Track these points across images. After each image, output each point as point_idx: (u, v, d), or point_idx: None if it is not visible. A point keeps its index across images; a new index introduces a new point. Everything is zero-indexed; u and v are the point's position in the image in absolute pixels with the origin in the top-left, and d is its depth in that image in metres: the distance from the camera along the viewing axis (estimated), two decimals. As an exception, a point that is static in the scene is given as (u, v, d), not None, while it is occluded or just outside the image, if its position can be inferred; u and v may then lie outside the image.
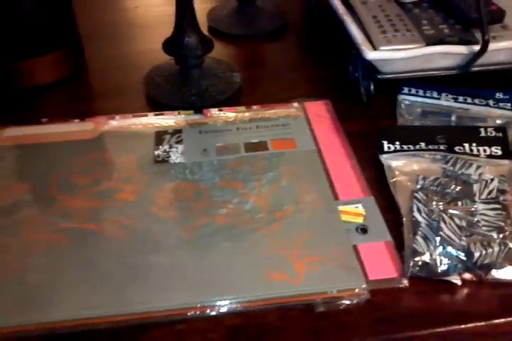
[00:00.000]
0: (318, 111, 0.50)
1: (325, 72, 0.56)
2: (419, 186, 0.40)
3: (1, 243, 0.38)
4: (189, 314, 0.34)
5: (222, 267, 0.36)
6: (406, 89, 0.51)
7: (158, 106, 0.51)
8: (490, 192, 0.39)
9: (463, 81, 0.50)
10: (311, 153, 0.45)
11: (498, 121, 0.47)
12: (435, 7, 0.53)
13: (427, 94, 0.50)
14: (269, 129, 0.47)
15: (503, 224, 0.37)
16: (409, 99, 0.50)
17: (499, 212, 0.38)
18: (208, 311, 0.34)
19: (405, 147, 0.44)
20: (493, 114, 0.48)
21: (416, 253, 0.35)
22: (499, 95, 0.50)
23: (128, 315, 0.34)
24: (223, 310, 0.34)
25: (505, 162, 0.42)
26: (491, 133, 0.44)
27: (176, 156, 0.44)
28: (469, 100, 0.49)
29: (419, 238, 0.36)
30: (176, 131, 0.47)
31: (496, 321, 0.33)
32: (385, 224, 0.38)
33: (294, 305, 0.34)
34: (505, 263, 0.35)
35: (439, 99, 0.50)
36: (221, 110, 0.50)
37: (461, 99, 0.50)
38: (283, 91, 0.54)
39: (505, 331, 0.34)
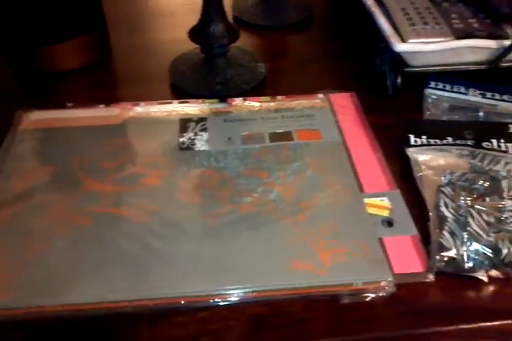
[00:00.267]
0: (344, 102, 0.49)
1: (350, 64, 0.56)
2: (446, 181, 0.40)
3: (26, 224, 0.38)
4: (212, 301, 0.34)
5: (246, 255, 0.36)
6: (433, 84, 0.50)
7: (182, 94, 0.51)
8: (519, 189, 0.39)
9: (491, 76, 0.50)
10: (336, 144, 0.44)
11: (527, 118, 0.47)
12: (465, 1, 0.52)
13: (454, 89, 0.50)
14: (294, 120, 0.47)
15: (531, 221, 0.36)
16: (436, 94, 0.49)
17: (528, 209, 0.37)
18: (231, 299, 0.34)
19: (432, 141, 0.43)
20: (521, 111, 0.47)
21: (442, 248, 0.35)
22: (528, 92, 0.49)
23: (150, 300, 0.34)
24: (247, 298, 0.34)
25: (534, 159, 0.42)
26: (520, 129, 0.44)
27: (201, 144, 0.44)
28: (497, 96, 0.49)
29: (446, 233, 0.36)
30: (201, 119, 0.47)
31: (523, 319, 0.33)
32: (411, 217, 0.38)
33: (319, 296, 0.34)
34: (533, 261, 0.35)
35: (466, 94, 0.49)
36: (246, 99, 0.49)
37: (488, 94, 0.49)
38: (308, 82, 0.53)
39: (532, 329, 0.33)
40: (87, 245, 0.36)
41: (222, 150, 0.44)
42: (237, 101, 0.49)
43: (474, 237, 0.35)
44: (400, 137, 0.44)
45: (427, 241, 0.36)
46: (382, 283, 0.34)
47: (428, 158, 0.42)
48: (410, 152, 0.43)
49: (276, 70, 0.55)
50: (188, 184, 0.41)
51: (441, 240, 0.36)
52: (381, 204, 0.39)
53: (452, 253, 0.35)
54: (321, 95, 0.50)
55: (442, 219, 0.37)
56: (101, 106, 0.48)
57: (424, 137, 0.44)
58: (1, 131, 0.46)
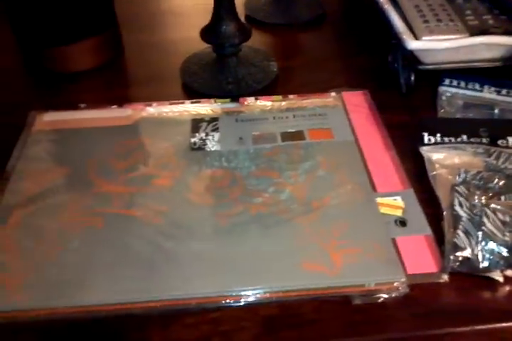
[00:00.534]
0: (356, 101, 0.49)
1: (363, 62, 0.55)
2: (460, 180, 0.39)
3: (40, 225, 0.38)
4: (224, 302, 0.33)
5: (257, 256, 0.35)
6: (447, 81, 0.49)
7: (194, 94, 0.51)
8: (535, 188, 0.38)
9: (506, 73, 0.49)
10: (349, 143, 0.44)
11: (543, 115, 0.46)
12: (479, -3, 0.51)
13: (469, 86, 0.49)
14: (306, 119, 0.47)
15: (548, 220, 0.36)
16: (450, 91, 0.49)
17: (544, 208, 0.37)
18: (242, 300, 0.33)
19: (446, 139, 0.43)
20: (537, 108, 0.46)
21: (457, 248, 0.35)
22: (544, 89, 0.48)
23: (162, 301, 0.34)
24: (258, 299, 0.33)
25: (551, 157, 0.41)
26: (536, 127, 0.43)
27: (212, 144, 0.44)
28: (513, 93, 0.48)
29: (460, 232, 0.35)
30: (213, 119, 0.47)
31: (539, 320, 0.32)
32: (424, 217, 0.37)
33: (330, 297, 0.33)
34: (550, 261, 0.34)
35: (481, 91, 0.48)
36: (257, 99, 0.49)
37: (504, 91, 0.48)
38: (320, 81, 0.53)
39: (548, 330, 0.33)
40: (99, 246, 0.36)
41: (234, 150, 0.43)
42: (249, 100, 0.49)
43: (489, 237, 0.35)
44: (413, 135, 0.43)
45: (441, 241, 0.36)
46: (395, 284, 0.33)
47: (442, 157, 0.42)
48: (424, 150, 0.42)
49: (289, 69, 0.55)
50: (199, 184, 0.40)
51: (455, 240, 0.35)
52: (394, 203, 0.38)
53: (467, 253, 0.34)
54: (333, 94, 0.50)
55: (456, 219, 0.36)
56: (113, 106, 0.49)
57: (438, 135, 0.43)
58: (15, 132, 0.46)
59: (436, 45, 0.46)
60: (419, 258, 0.35)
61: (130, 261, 0.35)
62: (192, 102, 0.49)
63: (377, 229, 0.37)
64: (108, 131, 0.46)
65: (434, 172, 0.40)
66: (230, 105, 0.48)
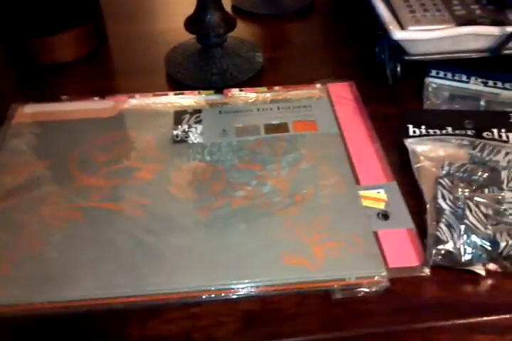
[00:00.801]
0: (342, 92, 0.48)
1: (349, 53, 0.55)
2: (444, 172, 0.39)
3: (19, 219, 0.37)
4: (204, 297, 0.33)
5: (239, 250, 0.35)
6: (434, 72, 0.49)
7: (178, 85, 0.50)
8: (519, 180, 0.38)
9: (493, 64, 0.48)
10: (333, 135, 0.43)
11: (530, 107, 0.45)
12: (467, -13, 0.51)
13: (456, 78, 0.49)
14: (291, 111, 0.46)
15: (531, 213, 0.36)
16: (436, 82, 0.48)
17: (528, 200, 0.36)
18: (223, 295, 0.33)
19: (431, 131, 0.42)
20: (524, 99, 0.46)
21: (439, 241, 0.34)
22: (531, 80, 0.48)
23: (142, 296, 0.33)
24: (239, 294, 0.33)
25: (536, 149, 0.41)
26: (522, 118, 0.43)
27: (195, 136, 0.44)
28: (499, 84, 0.48)
29: (442, 226, 0.35)
30: (196, 111, 0.46)
31: (521, 314, 0.32)
32: (407, 210, 0.37)
33: (312, 292, 0.33)
34: (533, 254, 0.34)
35: (468, 82, 0.48)
36: (242, 90, 0.49)
37: (491, 83, 0.48)
38: (306, 72, 0.52)
39: (530, 324, 0.32)
40: (80, 241, 0.36)
41: (217, 142, 0.43)
42: (234, 92, 0.48)
43: (471, 230, 0.34)
44: (399, 127, 0.43)
45: (423, 234, 0.36)
46: (376, 278, 0.33)
47: (427, 149, 0.41)
48: (409, 143, 0.42)
49: (275, 60, 0.54)
50: (181, 178, 0.40)
51: (437, 233, 0.35)
52: (377, 196, 0.38)
53: (449, 246, 0.34)
54: (319, 85, 0.49)
55: (439, 212, 0.36)
56: (96, 98, 0.48)
57: (423, 127, 0.43)
58: (-4, 124, 0.45)
59: (422, 35, 0.46)
60: (401, 251, 0.35)
61: (111, 256, 0.35)
62: (175, 94, 0.48)
63: (359, 222, 0.36)
64: (90, 123, 0.45)
65: (419, 165, 0.40)
66: (214, 97, 0.48)
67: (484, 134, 0.42)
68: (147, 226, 0.37)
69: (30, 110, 0.47)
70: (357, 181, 0.39)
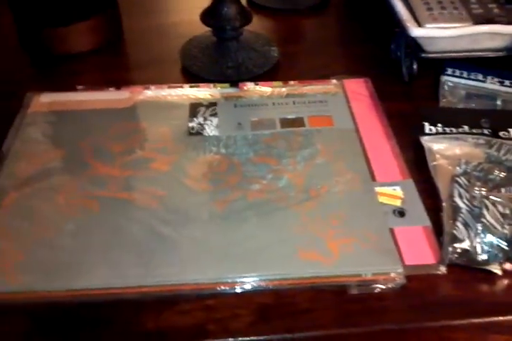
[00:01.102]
0: (358, 88, 0.48)
1: (365, 49, 0.54)
2: (461, 171, 0.39)
3: (35, 207, 0.37)
4: (218, 289, 0.33)
5: (254, 243, 0.35)
6: (450, 70, 0.49)
7: (193, 77, 0.50)
8: (535, 180, 0.38)
9: (510, 64, 0.48)
10: (349, 131, 0.43)
11: (546, 107, 0.45)
12: (485, -15, 0.51)
13: (472, 76, 0.48)
14: (306, 105, 0.46)
15: (548, 213, 0.35)
16: (452, 81, 0.48)
17: (544, 201, 0.36)
18: (237, 287, 0.33)
19: (447, 130, 0.42)
20: (540, 100, 0.46)
21: (455, 239, 0.34)
22: (548, 80, 0.48)
23: (156, 286, 0.33)
24: (253, 287, 0.33)
25: (553, 150, 0.41)
26: (539, 119, 0.43)
27: (211, 129, 0.43)
28: (516, 84, 0.47)
29: (459, 224, 0.35)
30: (211, 104, 0.46)
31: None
32: (423, 208, 0.37)
33: (326, 287, 0.33)
34: (549, 255, 0.34)
35: (484, 81, 0.48)
36: (257, 84, 0.49)
37: (507, 82, 0.48)
38: (321, 67, 0.52)
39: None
40: (94, 230, 0.36)
41: (232, 135, 0.43)
42: (249, 85, 0.48)
43: (488, 229, 0.34)
44: (414, 125, 0.43)
45: (439, 232, 0.36)
46: (392, 275, 0.33)
47: (443, 147, 0.41)
48: (425, 140, 0.42)
49: (290, 55, 0.54)
50: (196, 170, 0.40)
51: (454, 231, 0.35)
52: (393, 193, 0.38)
53: (465, 245, 0.34)
54: (334, 81, 0.49)
55: (456, 210, 0.36)
56: (111, 89, 0.48)
57: (439, 125, 0.42)
58: (11, 113, 0.45)
59: (440, 32, 0.46)
60: (417, 249, 0.35)
61: (125, 246, 0.35)
62: (191, 86, 0.48)
63: (375, 218, 0.36)
64: (105, 114, 0.45)
65: (435, 163, 0.40)
66: (230, 90, 0.48)
67: (501, 134, 0.42)
68: (162, 216, 0.37)
69: (45, 99, 0.46)
70: (373, 178, 0.39)
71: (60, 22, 0.51)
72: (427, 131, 0.42)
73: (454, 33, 0.45)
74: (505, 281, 0.34)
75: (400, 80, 0.49)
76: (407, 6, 0.48)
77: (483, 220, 0.35)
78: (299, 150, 0.41)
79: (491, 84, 0.48)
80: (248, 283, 0.33)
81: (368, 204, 0.37)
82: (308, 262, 0.34)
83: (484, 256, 0.34)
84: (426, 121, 0.43)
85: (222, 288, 0.33)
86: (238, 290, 0.33)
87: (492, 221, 0.35)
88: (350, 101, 0.47)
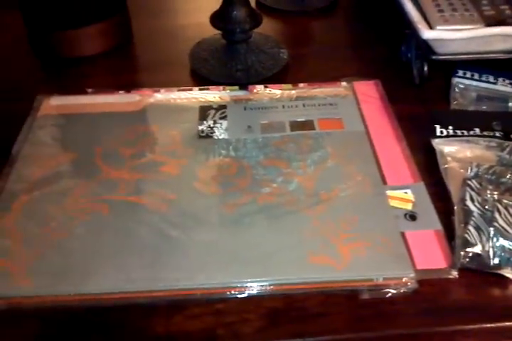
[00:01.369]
0: (368, 91, 0.48)
1: (375, 52, 0.54)
2: (472, 174, 0.39)
3: (45, 211, 0.37)
4: (228, 293, 0.33)
5: (264, 247, 0.35)
6: (461, 72, 0.48)
7: (202, 80, 0.50)
8: (548, 184, 0.37)
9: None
10: (359, 134, 0.43)
11: (558, 110, 0.45)
12: (497, -14, 0.50)
13: (483, 78, 0.48)
14: (316, 108, 0.46)
15: (561, 217, 0.35)
16: (463, 83, 0.48)
17: (558, 204, 0.36)
18: (247, 291, 0.33)
19: (459, 132, 0.42)
20: (553, 102, 0.46)
21: (467, 243, 0.34)
22: (560, 82, 0.47)
23: (166, 291, 0.33)
24: (263, 291, 0.33)
25: None
26: (551, 121, 0.42)
27: (220, 132, 0.43)
28: (528, 86, 0.47)
29: (471, 228, 0.35)
30: (221, 107, 0.46)
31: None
32: (435, 211, 0.37)
33: (337, 291, 0.33)
34: (562, 259, 0.33)
35: (495, 83, 0.47)
36: (267, 87, 0.48)
37: (519, 84, 0.47)
38: (331, 69, 0.52)
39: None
40: (104, 233, 0.36)
41: (242, 138, 0.43)
42: (258, 88, 0.48)
43: (501, 233, 0.34)
44: (425, 127, 0.43)
45: (451, 236, 0.35)
46: (404, 279, 0.33)
47: (454, 150, 0.41)
48: (436, 143, 0.41)
49: (299, 57, 0.54)
50: (206, 173, 0.40)
51: (466, 235, 0.34)
52: (404, 197, 0.38)
53: (477, 249, 0.34)
54: (344, 83, 0.49)
55: (468, 214, 0.36)
56: (121, 92, 0.48)
57: (450, 128, 0.42)
58: (21, 116, 0.45)
59: (451, 35, 0.45)
60: (429, 253, 0.34)
61: (135, 249, 0.35)
62: (200, 89, 0.48)
63: (386, 222, 0.36)
64: (115, 117, 0.45)
65: (446, 166, 0.40)
66: (239, 93, 0.48)
67: (513, 136, 0.41)
68: (172, 220, 0.37)
69: (55, 102, 0.47)
70: (383, 181, 0.39)
71: (70, 25, 0.51)
72: (438, 133, 0.42)
73: (466, 35, 0.45)
74: (518, 286, 0.33)
75: (411, 82, 0.49)
76: (418, 8, 0.48)
77: (496, 224, 0.34)
78: (309, 154, 0.41)
79: (503, 86, 0.47)
80: (258, 287, 0.33)
81: (379, 207, 0.37)
82: (319, 266, 0.34)
83: (496, 261, 0.33)
84: (437, 124, 0.42)
85: (232, 292, 0.33)
86: (248, 294, 0.33)
87: (504, 225, 0.34)
88: (361, 103, 0.46)
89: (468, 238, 0.34)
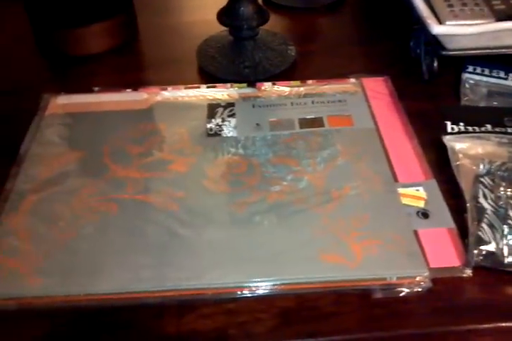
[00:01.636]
0: (377, 87, 0.47)
1: (384, 47, 0.54)
2: (484, 170, 0.38)
3: (53, 210, 0.37)
4: (240, 293, 0.33)
5: (275, 246, 0.35)
6: (471, 68, 0.48)
7: (210, 77, 0.50)
8: (562, 180, 0.37)
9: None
10: (369, 131, 0.43)
11: None
12: (507, -20, 0.49)
13: (493, 74, 0.47)
14: (325, 105, 0.45)
15: None
16: (474, 78, 0.47)
17: None
18: (259, 291, 0.33)
19: (470, 128, 0.41)
20: None
21: (481, 241, 0.33)
22: None
23: (176, 290, 0.33)
24: (275, 291, 0.33)
25: None
26: None
27: (229, 130, 0.43)
28: (539, 81, 0.46)
29: (484, 226, 0.34)
30: (229, 104, 0.46)
31: None
32: (447, 209, 0.36)
33: (350, 290, 0.32)
34: None
35: (506, 79, 0.47)
36: (275, 84, 0.48)
37: (530, 80, 0.47)
38: (339, 66, 0.51)
39: None
40: (113, 233, 0.36)
41: (250, 136, 0.42)
42: (266, 85, 0.48)
43: (515, 230, 0.34)
44: (436, 124, 0.42)
45: (464, 233, 0.35)
46: (418, 278, 0.32)
47: (466, 147, 0.40)
48: (447, 140, 0.41)
49: (307, 53, 0.53)
50: (215, 171, 0.40)
51: (479, 233, 0.34)
52: (416, 194, 0.37)
53: (491, 247, 0.33)
54: (353, 79, 0.48)
55: (481, 211, 0.35)
56: (128, 90, 0.48)
57: (461, 124, 0.42)
58: (28, 115, 0.45)
59: (461, 30, 0.45)
60: (442, 251, 0.34)
61: (145, 249, 0.35)
62: (208, 87, 0.48)
63: (398, 220, 0.36)
64: (122, 115, 0.45)
65: (458, 163, 0.39)
66: (247, 90, 0.47)
67: (525, 132, 0.41)
68: (181, 219, 0.36)
69: (62, 101, 0.46)
70: (395, 178, 0.39)
71: (76, 23, 0.51)
72: (449, 130, 0.41)
73: (476, 30, 0.44)
74: (533, 284, 0.33)
75: (420, 78, 0.49)
76: (427, 3, 0.47)
77: (510, 221, 0.34)
78: (318, 151, 0.41)
79: (514, 82, 0.47)
80: (269, 286, 0.33)
81: (391, 205, 0.37)
82: (331, 265, 0.33)
83: (510, 259, 0.33)
84: (448, 120, 0.42)
85: (244, 292, 0.33)
86: (259, 294, 0.33)
87: (518, 222, 0.34)
88: (370, 100, 0.46)
89: (482, 236, 0.34)
